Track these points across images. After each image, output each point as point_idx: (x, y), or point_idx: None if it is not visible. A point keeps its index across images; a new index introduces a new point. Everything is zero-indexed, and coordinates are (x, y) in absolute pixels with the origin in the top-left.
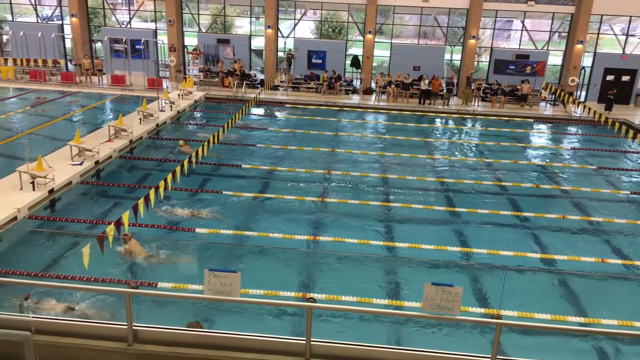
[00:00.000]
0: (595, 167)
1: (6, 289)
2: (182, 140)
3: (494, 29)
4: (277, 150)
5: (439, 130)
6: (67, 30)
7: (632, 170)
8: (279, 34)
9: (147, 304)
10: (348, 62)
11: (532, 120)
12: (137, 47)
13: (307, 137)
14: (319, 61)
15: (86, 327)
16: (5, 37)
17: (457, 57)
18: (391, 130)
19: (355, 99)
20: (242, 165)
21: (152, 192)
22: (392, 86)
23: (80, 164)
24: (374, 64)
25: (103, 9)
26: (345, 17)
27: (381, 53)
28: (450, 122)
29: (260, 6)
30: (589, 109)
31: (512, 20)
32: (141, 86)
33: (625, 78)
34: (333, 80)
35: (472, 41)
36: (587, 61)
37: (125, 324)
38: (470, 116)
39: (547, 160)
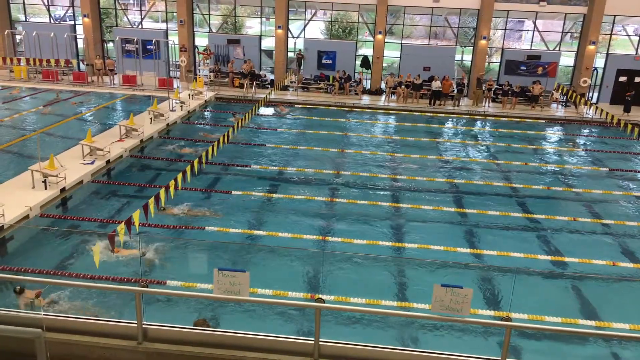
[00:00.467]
0: (607, 169)
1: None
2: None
3: (505, 29)
4: (286, 150)
5: (449, 131)
6: (80, 30)
7: None
8: (289, 35)
9: (150, 302)
10: (358, 62)
11: (543, 121)
12: (149, 47)
13: (317, 138)
14: (329, 62)
15: (97, 325)
16: (18, 37)
17: (467, 57)
18: (401, 131)
19: (365, 99)
20: (252, 166)
21: (162, 192)
22: (402, 87)
23: (92, 163)
24: (384, 65)
25: (115, 9)
26: (355, 18)
27: (391, 54)
28: (461, 123)
29: (271, 6)
30: (601, 110)
31: (524, 21)
32: (152, 86)
33: (638, 79)
34: (343, 80)
35: (483, 42)
36: (599, 62)
37: (135, 322)
38: (480, 117)
39: (558, 162)
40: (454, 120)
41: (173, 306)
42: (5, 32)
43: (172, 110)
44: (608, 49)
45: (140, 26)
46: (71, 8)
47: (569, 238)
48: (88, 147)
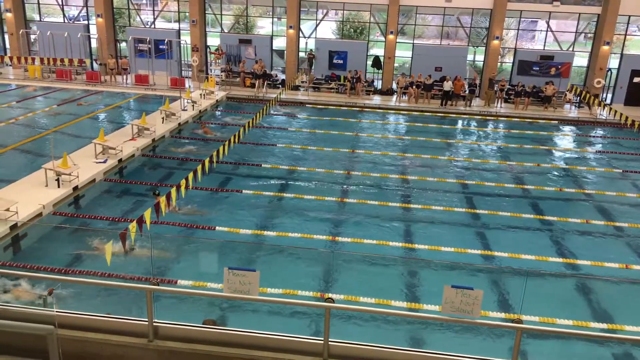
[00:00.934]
0: (621, 170)
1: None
2: (203, 122)
3: (518, 29)
4: (297, 150)
5: (461, 131)
6: (93, 30)
7: None
8: (301, 35)
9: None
10: (369, 62)
11: (556, 122)
12: (161, 47)
13: (328, 138)
14: (340, 61)
15: (108, 323)
16: (33, 37)
17: (480, 58)
18: (412, 131)
19: (376, 99)
20: (263, 165)
21: (173, 191)
22: (414, 87)
23: (104, 162)
24: (396, 65)
25: (128, 9)
26: (367, 18)
27: (403, 54)
28: (472, 123)
29: (282, 6)
30: (615, 111)
31: (537, 21)
32: (164, 86)
33: None
34: (355, 80)
35: (496, 42)
36: (613, 63)
37: (146, 320)
38: (492, 118)
39: (571, 163)
40: (466, 120)
41: (180, 305)
42: (20, 32)
43: (183, 110)
44: (622, 50)
45: (152, 26)
46: (85, 8)
47: (582, 240)
48: (101, 146)
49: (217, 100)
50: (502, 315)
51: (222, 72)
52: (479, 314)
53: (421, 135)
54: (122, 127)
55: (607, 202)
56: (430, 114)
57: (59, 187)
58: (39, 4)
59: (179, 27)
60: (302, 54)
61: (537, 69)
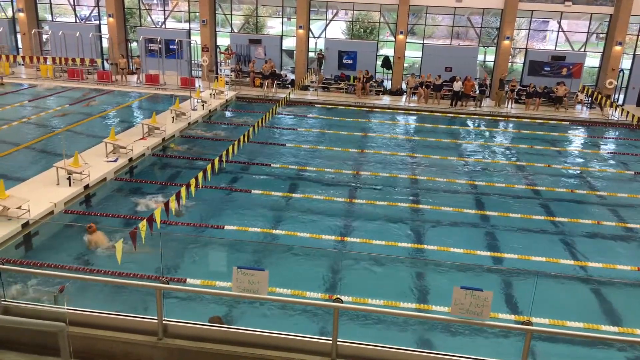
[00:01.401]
0: (633, 172)
1: (41, 281)
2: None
3: (529, 29)
4: (306, 150)
5: (471, 132)
6: (104, 30)
7: None
8: (310, 35)
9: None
10: (379, 62)
11: (567, 123)
12: (171, 47)
13: (337, 138)
14: (350, 62)
15: (119, 320)
16: (45, 37)
17: (490, 58)
18: (422, 131)
19: (385, 99)
20: (272, 165)
21: (183, 190)
22: (423, 87)
23: (115, 161)
24: (405, 65)
25: (139, 9)
26: (376, 18)
27: (413, 54)
28: (483, 124)
29: (292, 7)
30: (627, 112)
31: (548, 21)
32: (174, 85)
33: None
34: (365, 80)
35: (507, 42)
36: (625, 63)
37: (156, 318)
38: (503, 118)
39: (582, 165)
40: (476, 121)
41: (188, 302)
42: (33, 32)
43: (193, 110)
44: (635, 50)
45: (163, 26)
46: (96, 8)
47: (593, 242)
48: (111, 145)
49: (226, 100)
50: (512, 317)
51: (232, 72)
52: (488, 316)
53: (431, 135)
54: (133, 127)
55: (618, 204)
56: (440, 114)
57: (70, 185)
58: (50, 4)
59: (189, 27)
60: (311, 54)
61: (548, 69)
